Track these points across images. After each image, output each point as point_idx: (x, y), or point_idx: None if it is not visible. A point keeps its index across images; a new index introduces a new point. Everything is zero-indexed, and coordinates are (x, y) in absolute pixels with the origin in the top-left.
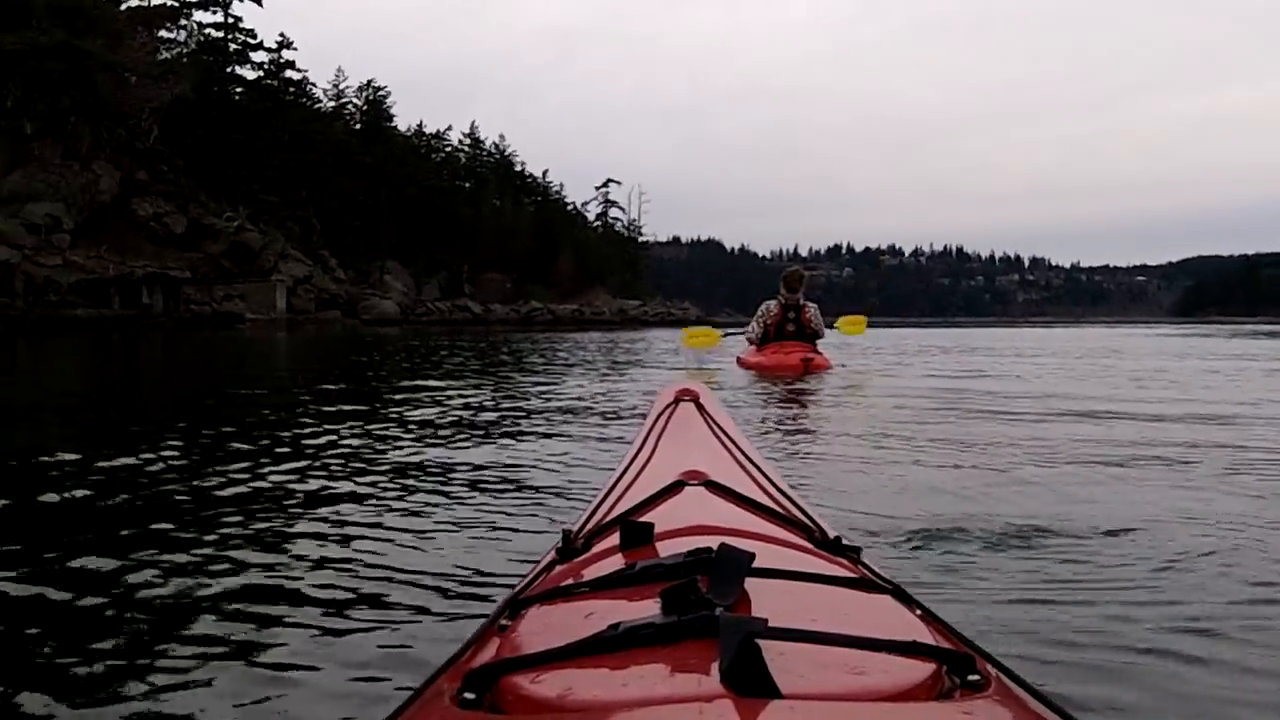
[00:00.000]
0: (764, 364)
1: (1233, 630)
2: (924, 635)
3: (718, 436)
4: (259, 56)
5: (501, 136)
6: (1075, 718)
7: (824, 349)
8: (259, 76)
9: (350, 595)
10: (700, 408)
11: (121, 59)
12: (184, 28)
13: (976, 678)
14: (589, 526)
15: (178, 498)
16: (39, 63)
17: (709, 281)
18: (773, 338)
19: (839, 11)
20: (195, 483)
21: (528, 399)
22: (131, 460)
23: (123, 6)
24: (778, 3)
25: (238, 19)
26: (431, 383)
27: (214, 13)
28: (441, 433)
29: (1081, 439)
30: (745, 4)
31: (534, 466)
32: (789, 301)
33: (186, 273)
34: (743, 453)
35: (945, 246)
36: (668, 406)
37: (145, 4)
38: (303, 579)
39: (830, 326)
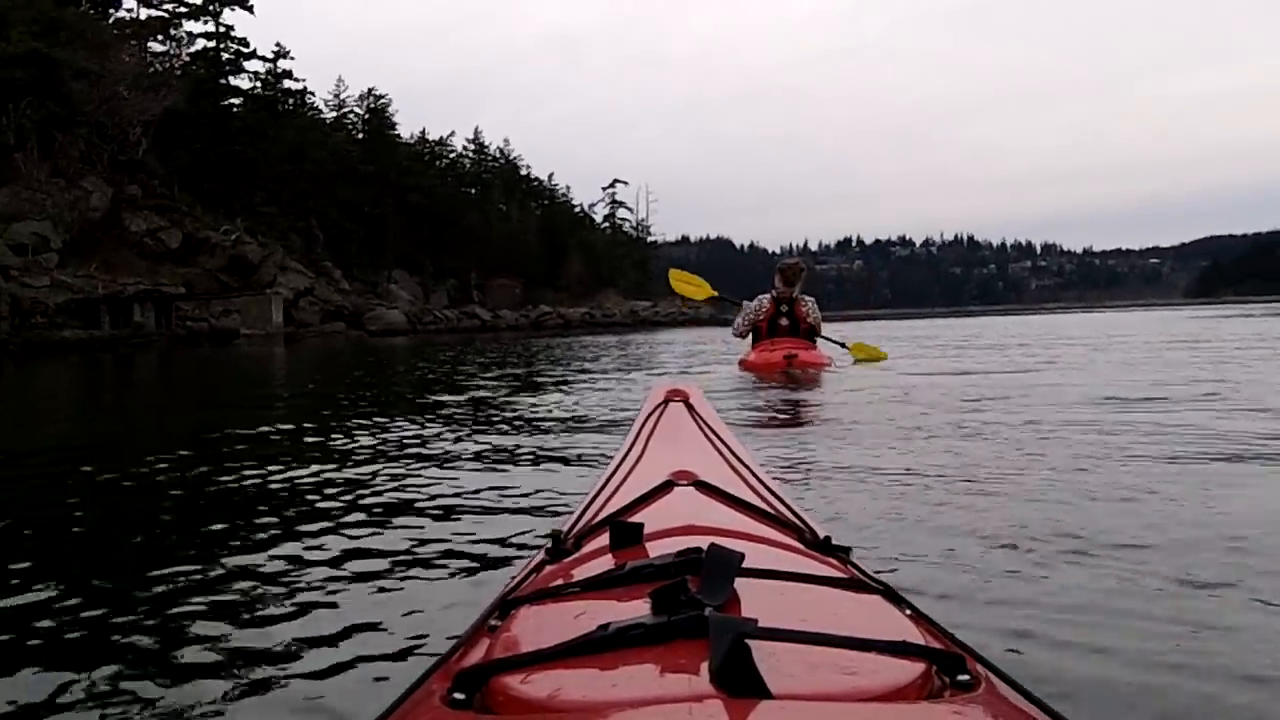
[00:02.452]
0: (752, 363)
1: (1236, 648)
2: (914, 635)
3: (707, 437)
4: (254, 66)
5: (506, 141)
6: (1065, 717)
7: (825, 347)
8: (254, 86)
9: (339, 594)
10: (690, 408)
11: (106, 69)
12: (174, 38)
13: (966, 677)
14: (579, 527)
15: (167, 503)
16: (8, 71)
17: (720, 279)
18: (765, 334)
19: (840, 6)
20: (184, 489)
21: (522, 403)
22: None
23: (110, 20)
24: (780, 1)
25: (229, 28)
26: (430, 397)
27: (205, 22)
28: (429, 436)
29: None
30: (748, 3)
31: (527, 469)
32: (782, 295)
33: (181, 288)
34: (732, 453)
35: (956, 235)
36: (657, 407)
37: (135, 17)
38: (291, 577)
39: (842, 345)
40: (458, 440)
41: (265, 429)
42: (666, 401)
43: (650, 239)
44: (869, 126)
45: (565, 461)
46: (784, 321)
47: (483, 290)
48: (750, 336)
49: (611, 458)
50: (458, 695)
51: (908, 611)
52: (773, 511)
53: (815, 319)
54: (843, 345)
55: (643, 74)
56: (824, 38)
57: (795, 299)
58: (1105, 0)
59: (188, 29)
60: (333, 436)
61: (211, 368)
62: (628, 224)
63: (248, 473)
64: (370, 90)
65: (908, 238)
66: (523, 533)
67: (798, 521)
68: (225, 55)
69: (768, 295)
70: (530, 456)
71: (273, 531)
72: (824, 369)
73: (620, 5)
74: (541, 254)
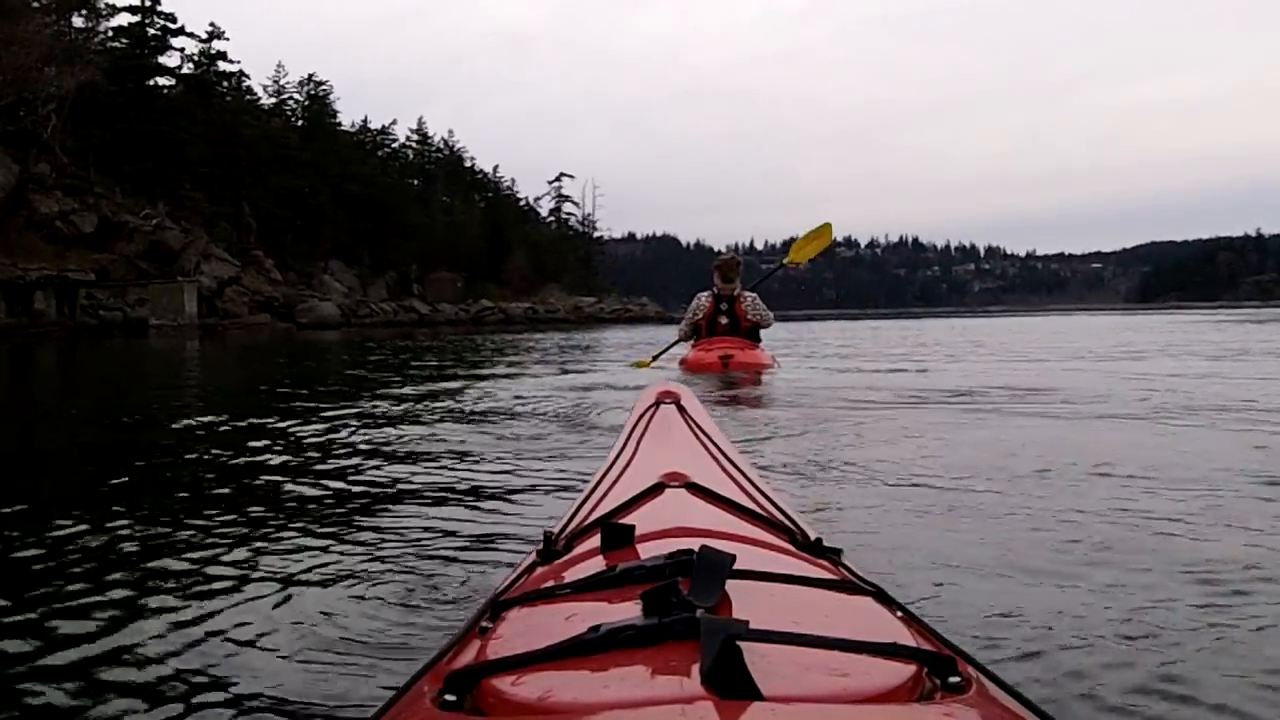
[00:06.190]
0: (689, 363)
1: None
2: (905, 637)
3: (699, 438)
4: (184, 44)
5: (450, 132)
6: (1055, 719)
7: (768, 345)
8: (182, 66)
9: (329, 596)
10: (681, 410)
11: (13, 37)
12: (93, 10)
13: (957, 679)
14: (570, 528)
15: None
16: None
17: (665, 277)
18: (705, 333)
19: (788, 9)
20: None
21: (500, 398)
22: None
23: None
24: (728, 3)
25: (155, 2)
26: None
27: None
28: (412, 436)
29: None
30: (696, 4)
31: (513, 470)
32: (722, 292)
33: (90, 275)
34: (724, 455)
35: (901, 237)
36: (649, 408)
37: None
38: (281, 579)
39: (783, 267)
40: (435, 441)
41: (208, 419)
42: (658, 403)
43: (596, 234)
44: (815, 129)
45: (555, 461)
46: (724, 320)
47: (422, 283)
48: (693, 336)
49: (603, 459)
50: (449, 697)
51: (899, 613)
52: (764, 513)
53: (758, 316)
54: (782, 265)
55: (591, 71)
56: (771, 41)
57: (736, 296)
58: (1046, 11)
59: (109, 1)
60: (292, 435)
61: (87, 366)
62: (573, 219)
63: (207, 462)
64: (310, 76)
65: (853, 239)
66: (513, 534)
67: (789, 523)
68: (150, 31)
69: (707, 294)
70: (517, 458)
71: (250, 529)
72: (765, 370)
73: (569, 3)
74: (484, 247)
